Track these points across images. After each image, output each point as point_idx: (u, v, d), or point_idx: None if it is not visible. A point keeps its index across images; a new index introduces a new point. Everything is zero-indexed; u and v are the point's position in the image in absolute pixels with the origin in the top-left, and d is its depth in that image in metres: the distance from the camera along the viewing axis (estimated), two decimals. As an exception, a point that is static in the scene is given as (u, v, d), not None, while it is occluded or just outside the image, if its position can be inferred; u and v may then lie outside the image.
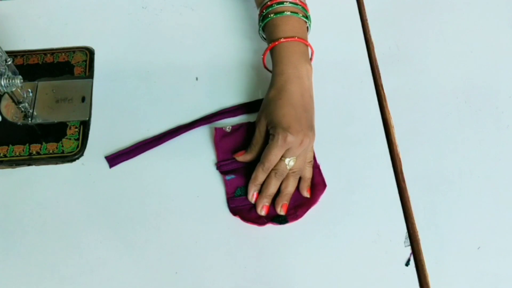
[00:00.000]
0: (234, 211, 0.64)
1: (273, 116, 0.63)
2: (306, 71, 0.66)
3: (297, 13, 0.68)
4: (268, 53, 0.69)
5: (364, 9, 0.81)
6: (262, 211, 0.64)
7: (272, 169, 0.63)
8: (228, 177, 0.65)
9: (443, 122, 0.71)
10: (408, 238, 0.63)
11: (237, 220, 0.64)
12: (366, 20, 0.80)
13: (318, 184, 0.66)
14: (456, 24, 0.80)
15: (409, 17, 0.80)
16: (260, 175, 0.64)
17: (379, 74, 0.74)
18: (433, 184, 0.66)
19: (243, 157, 0.66)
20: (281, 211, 0.63)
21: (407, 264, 0.61)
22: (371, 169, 0.67)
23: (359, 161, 0.67)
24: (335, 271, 0.61)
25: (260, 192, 0.64)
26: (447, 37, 0.78)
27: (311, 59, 0.69)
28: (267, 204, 0.64)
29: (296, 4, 0.68)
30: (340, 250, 0.62)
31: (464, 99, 0.73)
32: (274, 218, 0.64)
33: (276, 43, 0.66)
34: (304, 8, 0.69)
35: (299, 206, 0.64)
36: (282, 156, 0.63)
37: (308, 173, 0.65)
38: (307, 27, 0.70)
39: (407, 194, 0.65)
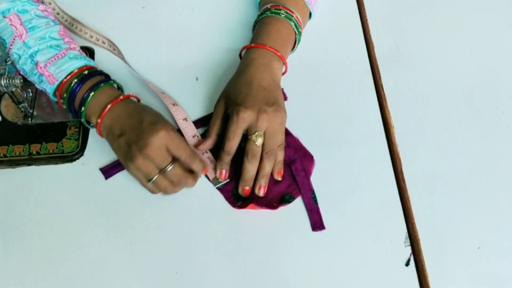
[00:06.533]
0: (243, 206, 0.64)
1: (230, 95, 0.65)
2: (272, 62, 0.67)
3: (291, 20, 0.70)
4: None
5: (364, 9, 0.81)
6: (242, 193, 0.64)
7: (245, 151, 0.63)
8: (219, 186, 0.65)
9: (443, 122, 0.71)
10: (408, 238, 0.63)
11: (237, 220, 0.64)
12: (366, 20, 0.80)
13: (306, 156, 0.67)
14: (456, 24, 0.80)
15: (409, 17, 0.80)
16: (224, 157, 0.64)
17: (379, 74, 0.74)
18: (433, 184, 0.66)
19: (203, 145, 0.66)
20: (259, 192, 0.64)
21: (407, 264, 0.61)
22: (371, 169, 0.67)
23: (359, 161, 0.67)
24: (335, 271, 0.61)
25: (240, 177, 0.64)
26: (447, 37, 0.78)
27: (284, 73, 0.71)
28: (247, 188, 0.64)
29: (292, 15, 0.70)
30: (340, 250, 0.62)
31: (464, 99, 0.73)
32: (281, 200, 0.64)
33: (253, 45, 0.68)
34: (298, 24, 0.71)
35: (298, 180, 0.66)
36: (248, 135, 0.63)
37: (279, 156, 0.65)
38: (295, 39, 0.71)
39: (407, 194, 0.65)
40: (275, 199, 0.65)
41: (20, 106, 0.68)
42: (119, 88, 0.67)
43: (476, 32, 0.79)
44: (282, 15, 0.69)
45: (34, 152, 0.68)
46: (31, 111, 0.70)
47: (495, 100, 0.73)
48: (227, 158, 0.64)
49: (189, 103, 0.72)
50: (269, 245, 0.62)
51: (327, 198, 0.65)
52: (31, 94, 0.71)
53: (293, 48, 0.72)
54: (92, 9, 0.80)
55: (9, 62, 0.63)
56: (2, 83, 0.62)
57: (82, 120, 0.64)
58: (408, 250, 0.62)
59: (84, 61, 0.65)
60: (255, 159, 0.63)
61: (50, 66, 0.64)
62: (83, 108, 0.63)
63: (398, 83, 0.74)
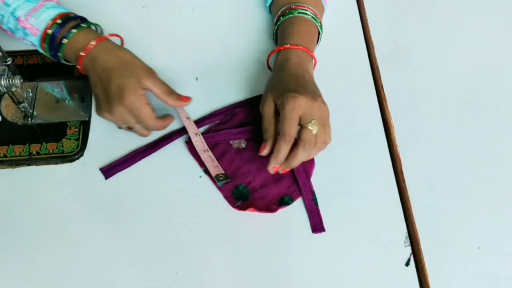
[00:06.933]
0: (242, 207, 0.64)
1: (278, 89, 0.63)
2: (306, 61, 0.67)
3: (316, 21, 0.70)
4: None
5: (364, 9, 0.81)
6: (272, 170, 0.62)
7: (300, 140, 0.60)
8: (220, 184, 0.65)
9: (443, 122, 0.71)
10: (408, 238, 0.63)
11: (237, 219, 0.64)
12: (366, 20, 0.80)
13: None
14: (456, 24, 0.80)
15: (409, 17, 0.80)
16: (283, 147, 0.60)
17: (379, 74, 0.75)
18: (433, 184, 0.66)
19: (266, 150, 0.63)
20: (271, 170, 0.61)
21: (407, 264, 0.61)
22: (371, 169, 0.67)
23: (359, 161, 0.67)
24: (335, 271, 0.61)
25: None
26: (447, 37, 0.78)
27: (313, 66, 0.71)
28: (281, 171, 0.62)
29: (317, 17, 0.71)
30: (340, 250, 0.62)
31: (464, 99, 0.73)
32: (280, 202, 0.64)
33: (287, 46, 0.67)
34: (322, 25, 0.72)
35: (298, 183, 0.66)
36: (302, 124, 0.60)
37: (314, 151, 0.62)
38: (318, 34, 0.72)
39: (407, 194, 0.65)
40: (274, 200, 0.65)
41: (20, 106, 0.68)
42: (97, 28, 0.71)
43: (476, 32, 0.79)
44: (309, 16, 0.70)
45: (34, 152, 0.68)
46: (31, 111, 0.70)
47: (495, 100, 0.73)
48: (285, 149, 0.60)
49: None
50: (269, 245, 0.62)
51: (326, 198, 0.65)
52: (31, 94, 0.71)
53: None
54: (92, 9, 0.80)
55: (9, 62, 0.63)
56: (2, 83, 0.62)
57: (60, 54, 0.68)
58: (408, 250, 0.62)
59: (60, 9, 0.68)
60: (309, 150, 0.60)
61: (30, 18, 0.67)
62: (64, 40, 0.66)
63: (398, 83, 0.74)
